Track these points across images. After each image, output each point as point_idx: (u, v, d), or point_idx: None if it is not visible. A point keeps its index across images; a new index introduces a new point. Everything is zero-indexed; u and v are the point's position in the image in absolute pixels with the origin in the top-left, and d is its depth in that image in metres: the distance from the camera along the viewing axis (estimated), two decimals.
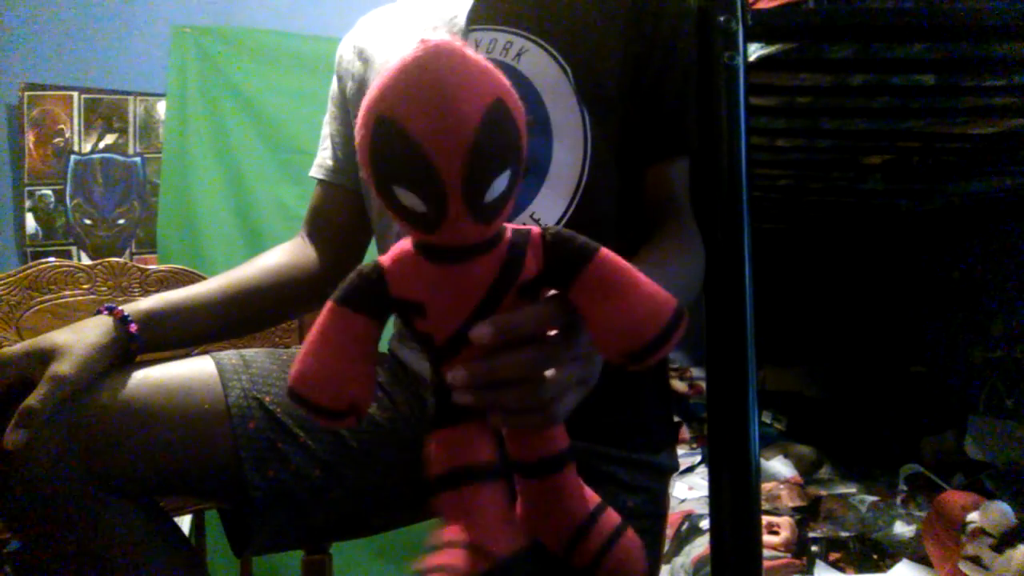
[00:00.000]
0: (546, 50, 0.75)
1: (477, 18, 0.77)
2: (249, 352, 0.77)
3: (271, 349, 0.80)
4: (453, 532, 0.46)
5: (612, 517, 0.54)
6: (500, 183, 0.42)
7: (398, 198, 0.41)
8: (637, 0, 0.78)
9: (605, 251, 0.45)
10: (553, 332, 0.48)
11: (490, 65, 0.41)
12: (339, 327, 0.48)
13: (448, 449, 0.49)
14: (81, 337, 0.64)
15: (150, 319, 0.70)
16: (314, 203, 0.93)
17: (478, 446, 0.48)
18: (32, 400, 0.59)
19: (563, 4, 0.78)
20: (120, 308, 0.69)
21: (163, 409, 0.65)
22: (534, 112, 0.73)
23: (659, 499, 0.80)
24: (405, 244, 0.47)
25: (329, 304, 0.48)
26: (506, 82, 0.42)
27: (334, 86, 0.92)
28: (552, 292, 0.48)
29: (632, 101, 0.77)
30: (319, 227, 0.91)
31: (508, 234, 0.46)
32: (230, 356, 0.75)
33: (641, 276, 0.46)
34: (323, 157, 0.92)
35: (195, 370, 0.71)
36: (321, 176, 0.91)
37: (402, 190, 0.41)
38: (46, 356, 0.62)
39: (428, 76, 0.39)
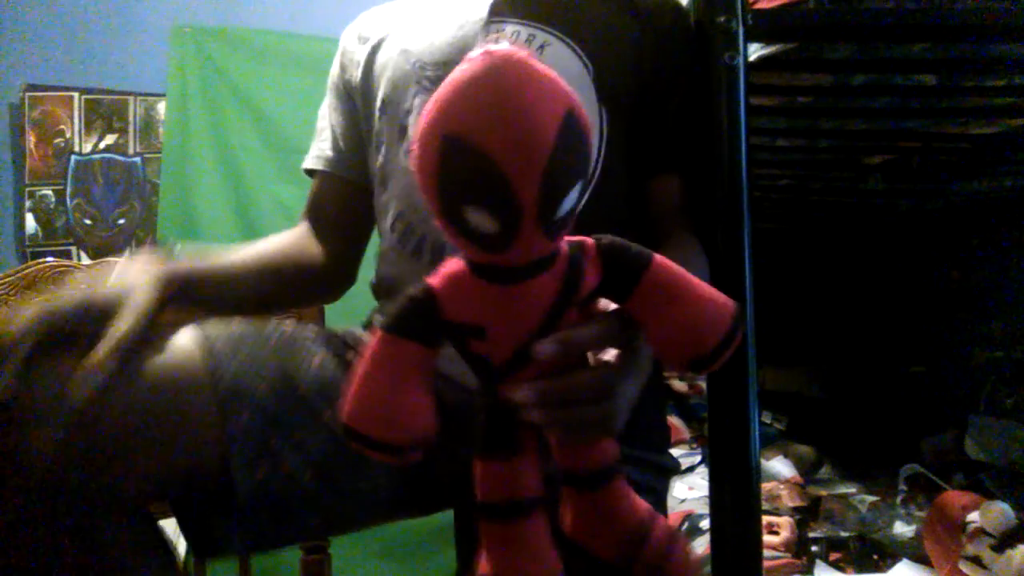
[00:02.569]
0: (569, 46, 0.75)
1: (499, 10, 0.77)
2: (236, 331, 0.70)
3: (257, 330, 0.72)
4: (491, 566, 0.48)
5: (664, 523, 0.53)
6: (572, 197, 0.41)
7: (467, 219, 0.40)
8: (649, 16, 0.79)
9: (659, 257, 0.44)
10: (614, 350, 0.48)
11: (556, 75, 0.40)
12: (392, 357, 0.45)
13: (499, 481, 0.49)
14: (135, 295, 0.60)
15: (188, 284, 0.66)
16: (315, 195, 0.90)
17: (528, 479, 0.49)
18: (98, 360, 0.55)
19: (585, 4, 0.79)
20: (164, 264, 0.65)
21: (148, 404, 0.58)
22: None
23: (663, 501, 0.80)
24: (456, 265, 0.45)
25: (379, 333, 0.46)
26: (573, 92, 0.41)
27: (336, 76, 0.90)
28: (607, 303, 0.47)
29: (640, 113, 0.78)
30: (321, 220, 0.89)
31: (564, 247, 0.45)
32: (215, 336, 0.67)
33: (695, 279, 0.45)
34: (322, 148, 0.90)
35: (179, 353, 0.63)
36: (321, 167, 0.89)
37: (473, 211, 0.39)
38: (102, 312, 0.58)
39: (499, 89, 0.37)
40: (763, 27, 0.77)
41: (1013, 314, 1.54)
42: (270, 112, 2.13)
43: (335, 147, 0.89)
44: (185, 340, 0.64)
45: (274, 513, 0.66)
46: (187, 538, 0.69)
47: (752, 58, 0.83)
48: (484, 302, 0.44)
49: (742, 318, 0.45)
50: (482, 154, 0.37)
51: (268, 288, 0.78)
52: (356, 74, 0.86)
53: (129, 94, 2.33)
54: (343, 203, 0.89)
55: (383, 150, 0.80)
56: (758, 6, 0.81)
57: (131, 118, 2.34)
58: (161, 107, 2.30)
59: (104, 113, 2.32)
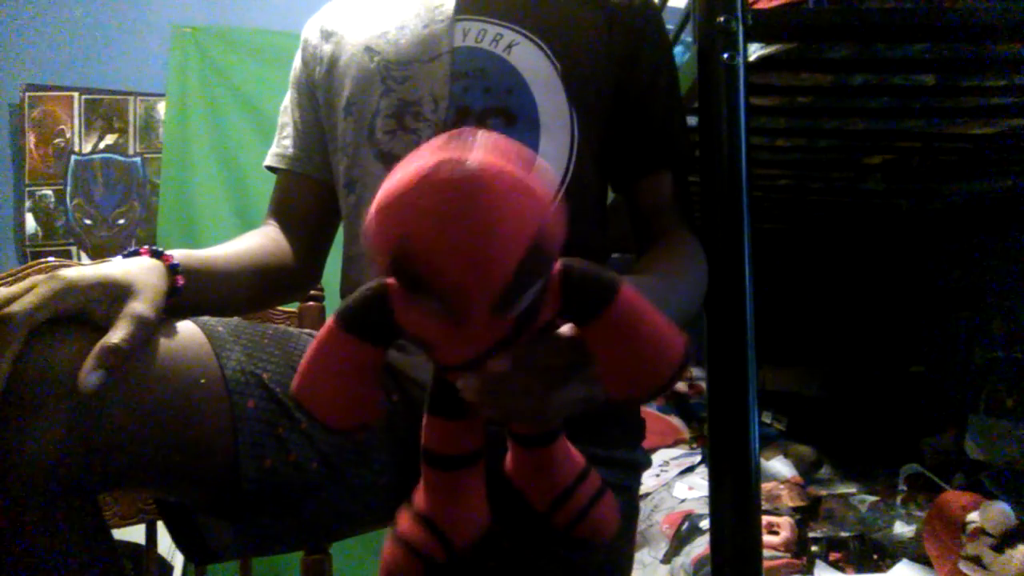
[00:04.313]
0: (537, 45, 0.75)
1: (466, 7, 0.77)
2: (231, 321, 0.68)
3: (250, 323, 0.71)
4: (425, 504, 0.52)
5: (594, 481, 0.56)
6: (529, 295, 0.40)
7: (415, 298, 0.40)
8: (620, 12, 0.79)
9: (625, 290, 0.43)
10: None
11: (527, 181, 0.37)
12: (340, 350, 0.46)
13: (441, 435, 0.51)
14: (148, 278, 0.58)
15: (192, 276, 0.64)
16: (279, 194, 0.89)
17: (469, 437, 0.51)
18: (117, 338, 0.51)
19: (553, 1, 0.78)
20: (169, 254, 0.63)
21: (156, 384, 0.55)
22: (524, 105, 0.73)
23: (635, 498, 0.81)
24: None
25: (330, 325, 0.46)
26: (548, 198, 0.39)
27: (298, 71, 0.88)
28: (569, 325, 0.47)
29: (618, 113, 0.78)
30: (287, 219, 0.87)
31: None
32: (214, 324, 0.65)
33: (655, 317, 0.44)
34: (284, 146, 0.88)
35: (184, 336, 0.61)
36: (284, 166, 0.88)
37: (422, 298, 0.39)
38: (119, 291, 0.55)
39: (461, 217, 0.35)
40: (763, 27, 0.77)
41: (1013, 314, 1.54)
42: (270, 112, 2.13)
43: (297, 144, 0.87)
44: (188, 326, 0.62)
45: (277, 505, 0.64)
46: (180, 545, 0.67)
47: (752, 58, 0.83)
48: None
49: (688, 358, 0.45)
50: (438, 274, 0.37)
51: (251, 287, 0.77)
52: (319, 71, 0.84)
53: (129, 94, 2.33)
54: (309, 201, 0.87)
55: (350, 152, 0.79)
56: (758, 6, 0.81)
57: (131, 118, 2.34)
58: (161, 107, 2.30)
59: (104, 113, 2.32)
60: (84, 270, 0.54)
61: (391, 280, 0.44)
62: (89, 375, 0.49)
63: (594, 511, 0.56)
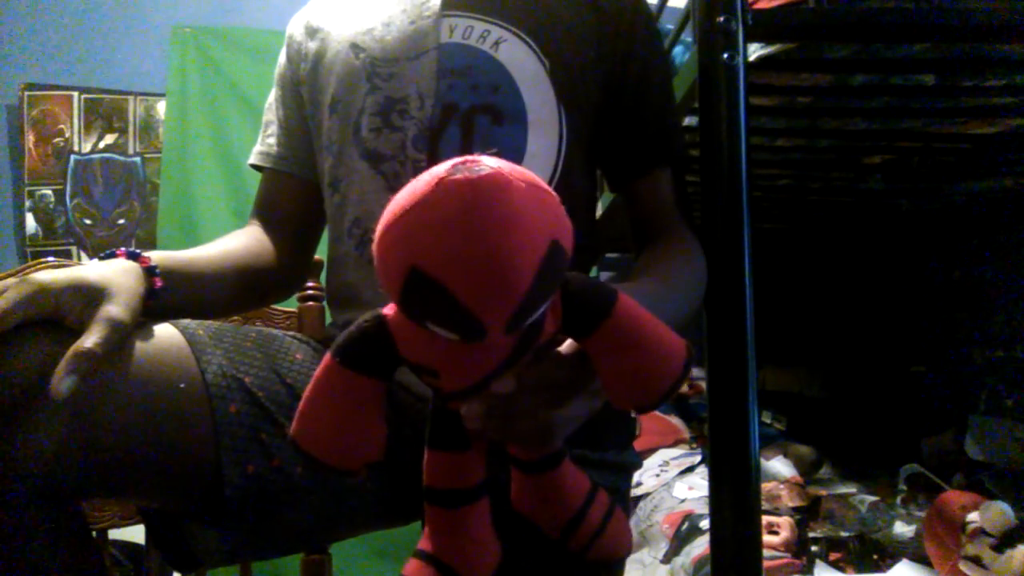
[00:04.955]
0: (525, 42, 0.74)
1: (452, 4, 0.76)
2: (212, 324, 0.67)
3: (233, 326, 0.70)
4: (433, 546, 0.51)
5: (603, 500, 0.56)
6: (541, 309, 0.39)
7: (427, 326, 0.39)
8: (610, 11, 0.79)
9: (623, 300, 0.44)
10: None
11: (540, 191, 0.36)
12: (342, 387, 0.45)
13: (443, 470, 0.50)
14: (123, 280, 0.56)
15: (171, 278, 0.63)
16: (264, 193, 0.87)
17: (472, 470, 0.50)
18: (90, 343, 0.50)
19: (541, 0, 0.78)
20: (146, 256, 0.62)
21: (132, 389, 0.54)
22: (511, 102, 0.73)
23: (626, 498, 0.80)
24: None
25: (329, 361, 0.45)
26: (559, 209, 0.38)
27: (283, 68, 0.87)
28: (570, 342, 0.47)
29: (612, 111, 0.78)
30: (272, 218, 0.86)
31: None
32: (194, 327, 0.64)
33: (654, 325, 0.44)
34: (268, 144, 0.87)
35: (163, 340, 0.59)
36: (268, 164, 0.86)
37: (435, 326, 0.38)
38: (93, 294, 0.53)
39: (475, 233, 0.34)
40: (763, 27, 0.77)
41: (1013, 314, 1.54)
42: None
43: (282, 142, 0.86)
44: (167, 330, 0.61)
45: (262, 511, 0.63)
46: (164, 552, 0.67)
47: (752, 58, 0.83)
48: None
49: (690, 365, 0.45)
50: (452, 296, 0.35)
51: (233, 288, 0.75)
52: (304, 67, 0.83)
53: (129, 94, 2.33)
54: (294, 201, 0.86)
55: (334, 151, 0.77)
56: (758, 6, 0.81)
57: (131, 118, 2.34)
58: (161, 107, 2.30)
59: (104, 113, 2.32)
60: (57, 273, 0.53)
61: (389, 310, 0.44)
62: (61, 380, 0.48)
63: (607, 531, 0.55)
